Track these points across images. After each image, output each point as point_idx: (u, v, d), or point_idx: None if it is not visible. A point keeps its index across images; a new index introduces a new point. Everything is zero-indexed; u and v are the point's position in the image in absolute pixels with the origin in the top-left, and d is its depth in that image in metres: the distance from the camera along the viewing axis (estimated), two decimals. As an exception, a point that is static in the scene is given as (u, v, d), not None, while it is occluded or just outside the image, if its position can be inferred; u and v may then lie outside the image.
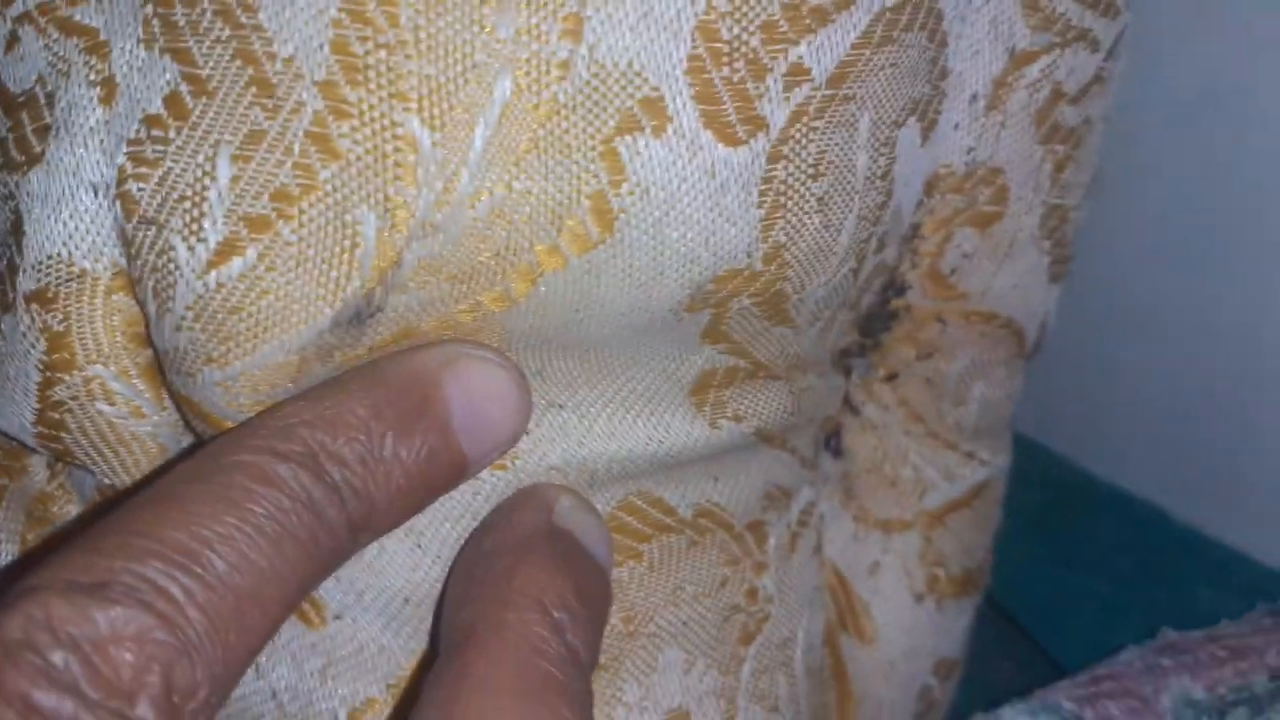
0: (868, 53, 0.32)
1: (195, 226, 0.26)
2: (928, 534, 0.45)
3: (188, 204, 0.27)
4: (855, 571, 0.45)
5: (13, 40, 0.30)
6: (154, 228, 0.27)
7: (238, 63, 0.27)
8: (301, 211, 0.26)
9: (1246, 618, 0.49)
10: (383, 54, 0.26)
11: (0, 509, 0.35)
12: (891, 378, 0.44)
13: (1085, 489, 0.62)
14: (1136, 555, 0.58)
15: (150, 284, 0.28)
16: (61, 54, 0.29)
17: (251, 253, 0.26)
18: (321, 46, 0.26)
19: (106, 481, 0.33)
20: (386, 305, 0.28)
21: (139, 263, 0.27)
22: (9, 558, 0.35)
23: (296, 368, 0.28)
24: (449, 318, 0.29)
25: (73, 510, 0.36)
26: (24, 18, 0.30)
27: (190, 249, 0.26)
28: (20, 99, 0.30)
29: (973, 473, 0.45)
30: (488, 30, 0.27)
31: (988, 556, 0.48)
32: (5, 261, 0.30)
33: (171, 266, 0.27)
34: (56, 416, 0.30)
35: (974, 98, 0.38)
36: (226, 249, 0.26)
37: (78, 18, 0.29)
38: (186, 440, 0.32)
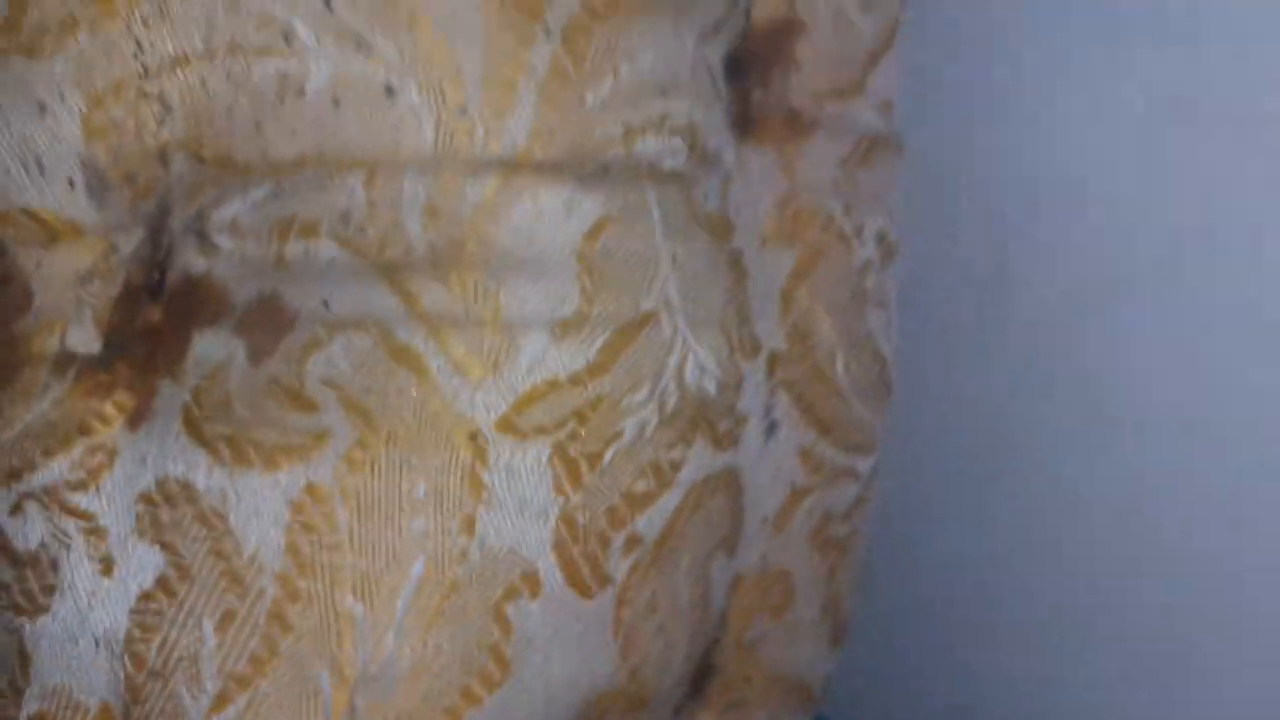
0: (684, 518, 0.43)
1: (195, 680, 0.35)
2: None
3: (186, 663, 0.35)
4: None
5: (18, 509, 0.39)
6: (161, 680, 0.35)
7: (213, 557, 0.36)
8: (274, 669, 0.35)
9: None
10: (325, 553, 0.36)
11: None
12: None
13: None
14: None
15: None
16: (64, 529, 0.38)
17: (241, 700, 0.35)
18: (278, 547, 0.36)
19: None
20: None
21: (146, 706, 0.36)
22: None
23: None
24: None
25: None
26: (29, 494, 0.38)
27: (194, 699, 0.35)
28: (25, 557, 0.38)
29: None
30: (404, 528, 0.37)
31: None
32: (7, 680, 0.38)
33: (179, 712, 0.35)
34: None
35: (764, 520, 0.50)
36: (222, 699, 0.35)
37: (80, 503, 0.38)
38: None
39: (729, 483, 0.46)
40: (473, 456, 0.38)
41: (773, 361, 0.49)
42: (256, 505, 0.36)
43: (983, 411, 0.62)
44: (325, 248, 0.39)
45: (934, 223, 0.60)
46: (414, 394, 0.38)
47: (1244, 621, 0.56)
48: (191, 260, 0.40)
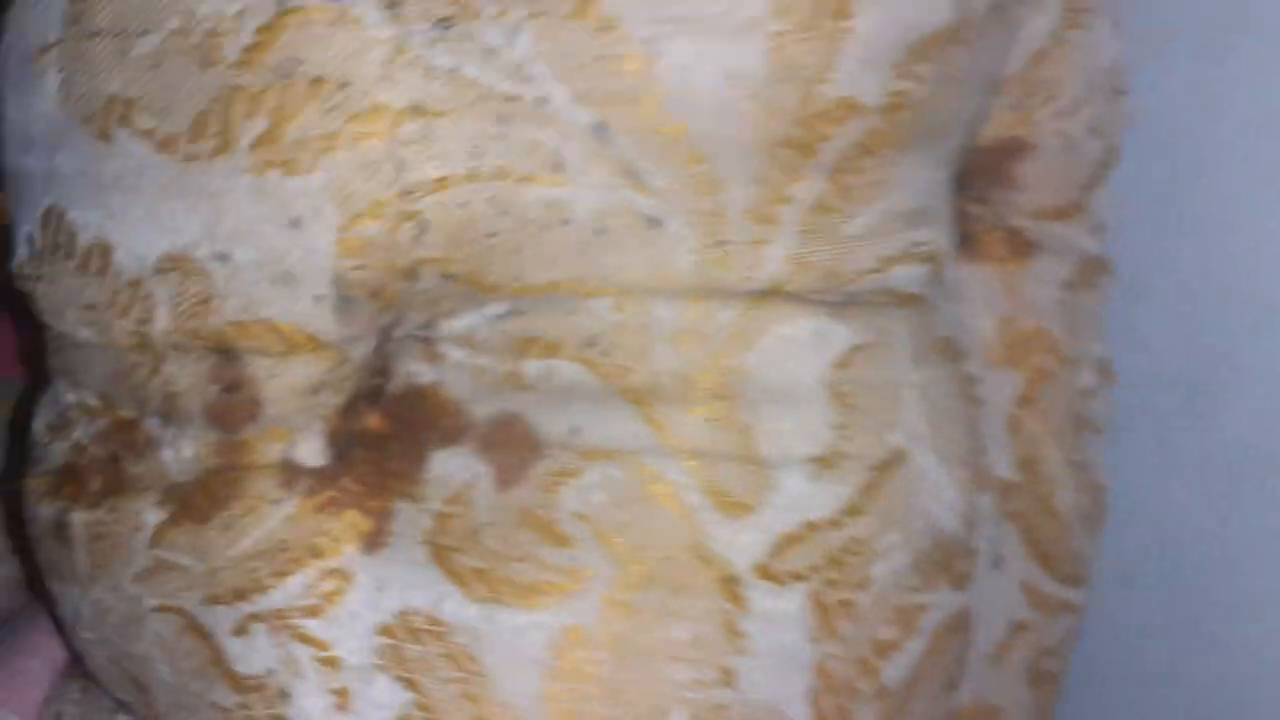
0: (926, 666, 0.41)
1: None
2: None
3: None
4: None
5: (243, 630, 0.37)
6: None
7: (465, 701, 0.35)
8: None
9: None
10: (582, 703, 0.35)
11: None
12: None
13: None
14: None
15: None
16: (295, 656, 0.37)
17: None
18: (535, 694, 0.34)
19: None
20: None
21: None
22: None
23: None
24: None
25: None
26: (257, 616, 0.37)
27: None
28: (249, 683, 0.37)
29: None
30: (664, 678, 0.35)
31: None
32: None
33: None
34: None
35: (983, 656, 0.48)
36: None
37: (313, 630, 0.37)
38: None
39: (963, 623, 0.44)
40: (730, 601, 0.36)
41: (1003, 492, 0.47)
42: (513, 647, 0.35)
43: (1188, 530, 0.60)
44: (568, 369, 0.38)
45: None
46: (672, 531, 0.36)
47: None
48: (417, 368, 0.39)
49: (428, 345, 0.39)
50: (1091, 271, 0.51)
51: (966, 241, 0.49)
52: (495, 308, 0.38)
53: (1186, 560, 0.60)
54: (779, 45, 0.34)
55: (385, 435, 0.39)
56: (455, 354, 0.38)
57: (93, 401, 0.40)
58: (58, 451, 0.40)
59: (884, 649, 0.39)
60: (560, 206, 0.35)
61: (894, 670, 0.40)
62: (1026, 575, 0.48)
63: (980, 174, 0.49)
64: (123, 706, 0.43)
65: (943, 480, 0.41)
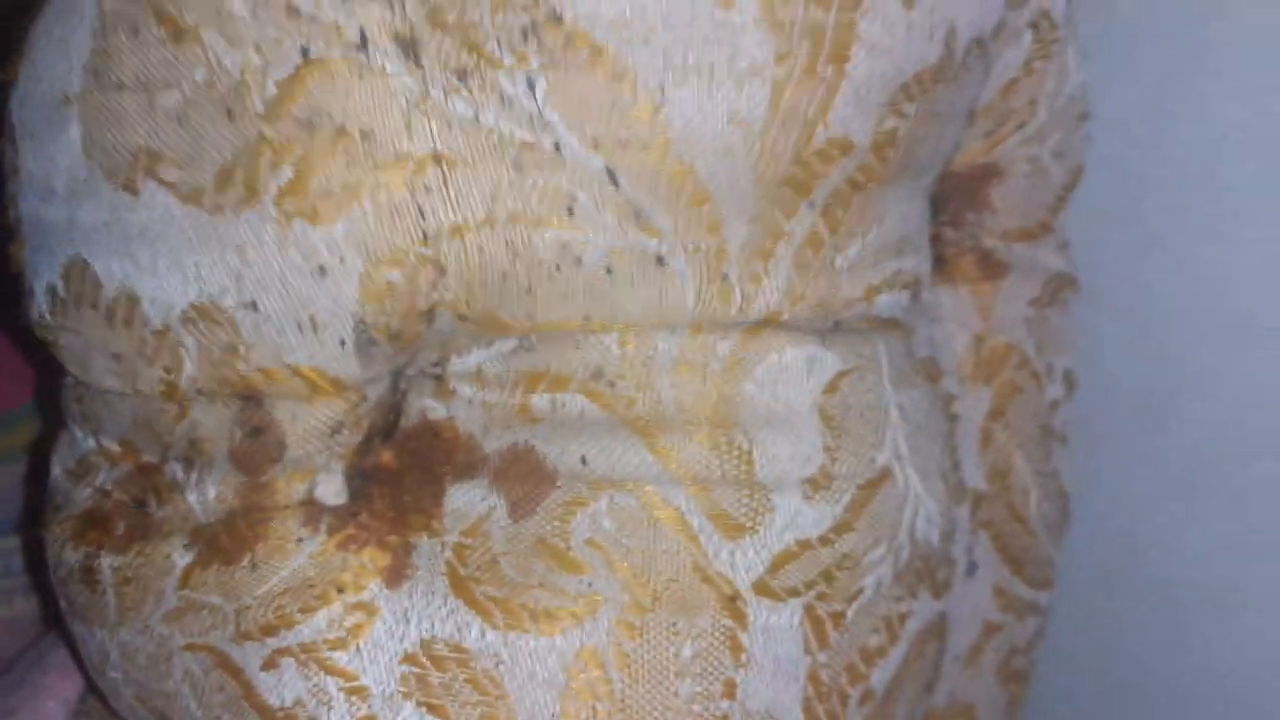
0: (908, 669, 0.43)
1: None
2: None
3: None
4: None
5: (272, 664, 0.39)
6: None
7: (483, 723, 0.36)
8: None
9: None
10: (601, 720, 0.36)
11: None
12: None
13: None
14: None
15: None
16: (323, 687, 0.38)
17: None
18: (554, 714, 0.36)
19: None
20: None
21: None
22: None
23: None
24: None
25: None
26: (285, 650, 0.38)
27: None
28: (279, 714, 0.38)
29: None
30: (673, 694, 0.37)
31: None
32: None
33: None
34: None
35: (957, 658, 0.50)
36: None
37: (340, 661, 0.38)
38: None
39: (940, 628, 0.46)
40: (731, 618, 0.38)
41: (976, 503, 0.49)
42: (532, 670, 0.37)
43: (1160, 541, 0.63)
44: (575, 402, 0.39)
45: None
46: (677, 554, 0.38)
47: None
48: (429, 404, 0.41)
49: (439, 382, 0.40)
50: (1058, 288, 0.53)
51: (941, 264, 0.52)
52: (503, 345, 0.39)
53: (1151, 563, 0.63)
54: (780, 90, 0.36)
55: (399, 470, 0.41)
56: (466, 390, 0.40)
57: (113, 447, 0.41)
58: (80, 496, 0.41)
59: (871, 656, 0.42)
60: (572, 248, 0.37)
61: (879, 675, 0.42)
62: (998, 579, 0.51)
63: (954, 199, 0.51)
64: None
65: (923, 495, 0.44)
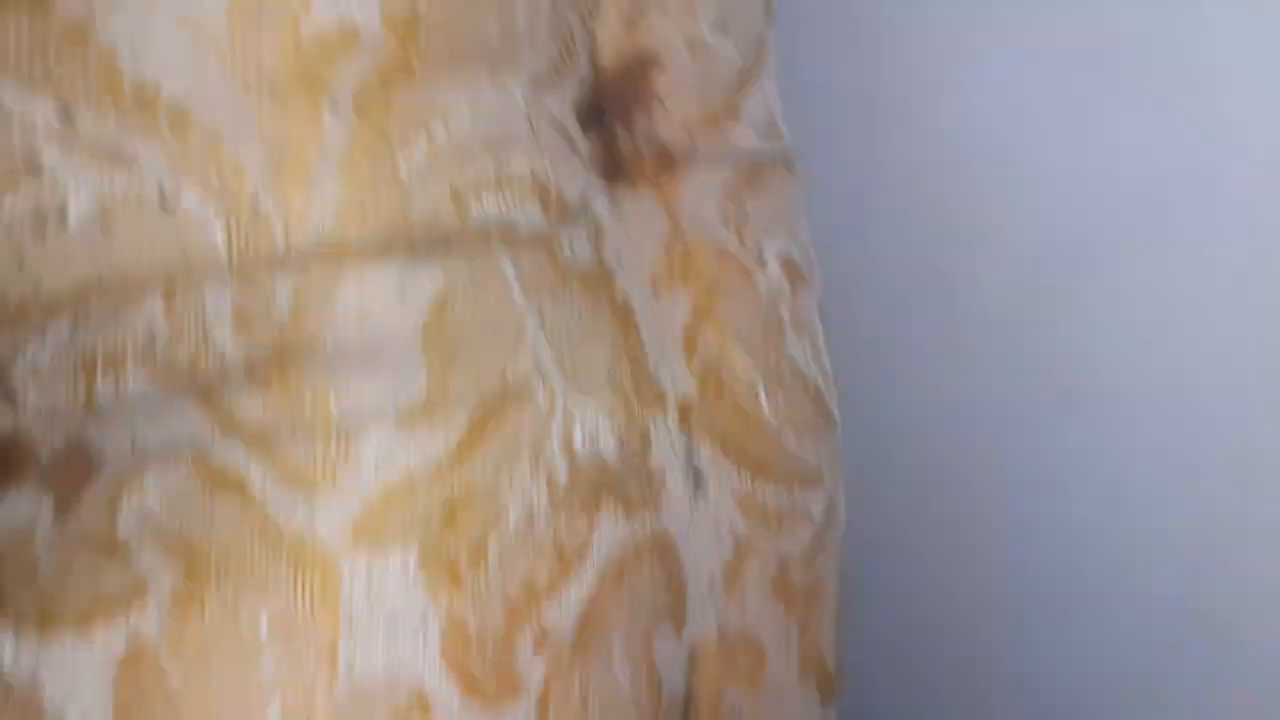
0: (606, 598, 0.39)
1: None
2: None
3: None
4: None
5: None
6: None
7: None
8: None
9: None
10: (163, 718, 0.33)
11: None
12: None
13: None
14: None
15: None
16: None
17: None
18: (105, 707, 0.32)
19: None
20: None
21: None
22: None
23: None
24: None
25: None
26: None
27: None
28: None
29: None
30: (248, 673, 0.33)
31: None
32: None
33: None
34: None
35: (711, 582, 0.46)
36: None
37: None
38: None
39: (658, 549, 0.42)
40: (320, 578, 0.34)
41: (685, 410, 0.45)
42: (74, 677, 0.33)
43: (954, 413, 0.58)
44: (135, 378, 0.36)
45: (869, 232, 0.57)
46: (239, 521, 0.34)
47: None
48: None
49: (5, 393, 0.37)
50: (760, 172, 0.49)
51: (617, 167, 0.48)
52: (54, 335, 0.36)
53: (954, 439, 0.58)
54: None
55: None
56: (32, 396, 0.36)
57: None
58: None
59: (539, 590, 0.37)
60: (52, 207, 0.34)
61: (558, 610, 0.38)
62: (739, 488, 0.46)
63: (616, 97, 0.48)
64: None
65: (580, 408, 0.40)
